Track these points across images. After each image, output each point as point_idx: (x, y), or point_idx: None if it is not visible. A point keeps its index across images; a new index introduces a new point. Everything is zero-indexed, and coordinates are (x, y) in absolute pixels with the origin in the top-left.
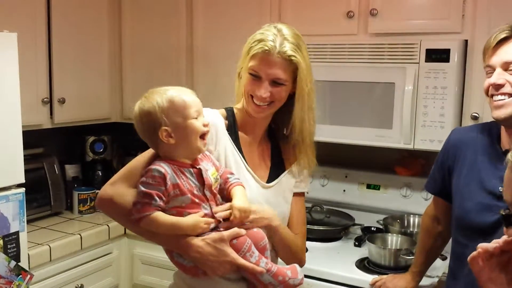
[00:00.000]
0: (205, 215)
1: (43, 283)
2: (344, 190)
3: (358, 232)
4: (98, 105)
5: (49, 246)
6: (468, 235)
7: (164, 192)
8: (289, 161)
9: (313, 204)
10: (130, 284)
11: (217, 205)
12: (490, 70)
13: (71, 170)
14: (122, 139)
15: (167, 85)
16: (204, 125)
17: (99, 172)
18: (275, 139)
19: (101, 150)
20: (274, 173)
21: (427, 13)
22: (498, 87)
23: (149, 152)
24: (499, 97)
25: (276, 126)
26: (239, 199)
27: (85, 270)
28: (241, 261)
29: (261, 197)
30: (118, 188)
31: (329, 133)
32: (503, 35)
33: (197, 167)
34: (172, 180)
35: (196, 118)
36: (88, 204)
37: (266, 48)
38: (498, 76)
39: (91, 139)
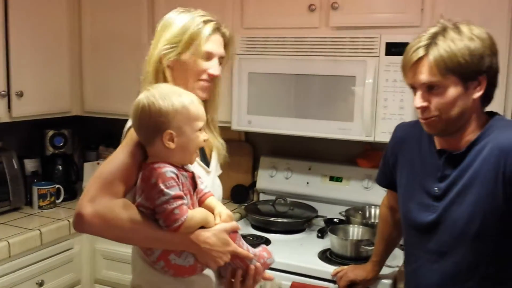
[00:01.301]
0: None
1: (2, 279)
2: (307, 183)
3: (321, 224)
4: (57, 98)
5: (8, 242)
6: (412, 234)
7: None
8: (206, 144)
9: (277, 196)
10: (92, 279)
11: None
12: (412, 87)
13: (30, 165)
14: (83, 132)
15: (128, 77)
16: (204, 140)
17: (59, 166)
18: None
19: (61, 144)
20: (204, 158)
21: (387, 7)
22: (422, 110)
23: (117, 159)
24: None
25: None
26: (222, 207)
27: (45, 266)
28: (240, 249)
29: (207, 183)
30: (102, 203)
31: (292, 126)
32: (420, 54)
33: (190, 170)
34: (181, 179)
35: (200, 131)
36: (48, 199)
37: (214, 27)
38: (421, 100)
39: (51, 133)
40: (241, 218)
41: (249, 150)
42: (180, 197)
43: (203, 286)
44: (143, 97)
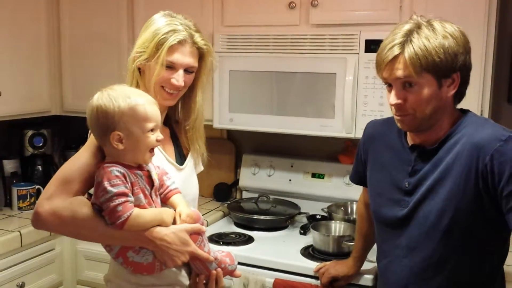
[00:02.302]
0: None
1: None
2: (290, 180)
3: (304, 220)
4: (36, 98)
5: None
6: (383, 229)
7: (130, 189)
8: (185, 144)
9: (260, 194)
10: (74, 280)
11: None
12: (386, 82)
13: (9, 166)
14: (63, 132)
15: (108, 76)
16: (157, 140)
17: (39, 167)
18: (170, 125)
19: (41, 144)
20: (180, 156)
21: (366, 4)
22: (397, 107)
23: (79, 159)
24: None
25: (170, 113)
26: (186, 207)
27: (26, 267)
28: (199, 251)
29: (178, 180)
30: (58, 201)
31: (273, 123)
32: (395, 52)
33: (146, 169)
34: (130, 178)
35: (152, 131)
36: (28, 200)
37: (182, 38)
38: (397, 97)
39: (30, 133)
40: (224, 216)
41: (231, 148)
42: (124, 195)
43: (173, 279)
44: (94, 98)
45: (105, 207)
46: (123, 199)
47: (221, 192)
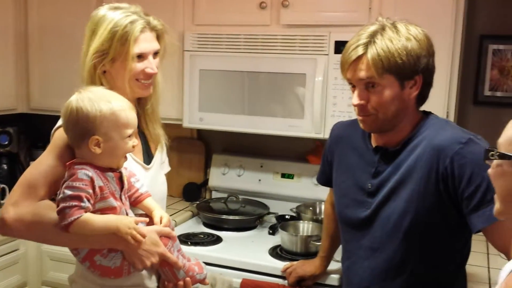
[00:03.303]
0: None
1: None
2: (259, 180)
3: (273, 220)
4: (2, 95)
5: None
6: (347, 230)
7: (91, 195)
8: (151, 141)
9: (229, 194)
10: (39, 281)
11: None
12: (350, 82)
13: None
14: (29, 130)
15: (76, 74)
16: (133, 146)
17: (4, 166)
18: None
19: (6, 142)
20: (147, 154)
21: (336, 5)
22: (360, 107)
23: (42, 162)
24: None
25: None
26: (162, 211)
27: None
28: (169, 254)
29: (145, 179)
30: (24, 206)
31: (243, 123)
32: (359, 53)
33: (118, 170)
34: (98, 183)
35: (129, 137)
36: None
37: (142, 26)
38: (359, 98)
39: None
40: (192, 216)
41: (201, 148)
42: (77, 198)
43: (139, 281)
44: (73, 99)
45: (57, 206)
46: (74, 202)
47: (190, 192)
